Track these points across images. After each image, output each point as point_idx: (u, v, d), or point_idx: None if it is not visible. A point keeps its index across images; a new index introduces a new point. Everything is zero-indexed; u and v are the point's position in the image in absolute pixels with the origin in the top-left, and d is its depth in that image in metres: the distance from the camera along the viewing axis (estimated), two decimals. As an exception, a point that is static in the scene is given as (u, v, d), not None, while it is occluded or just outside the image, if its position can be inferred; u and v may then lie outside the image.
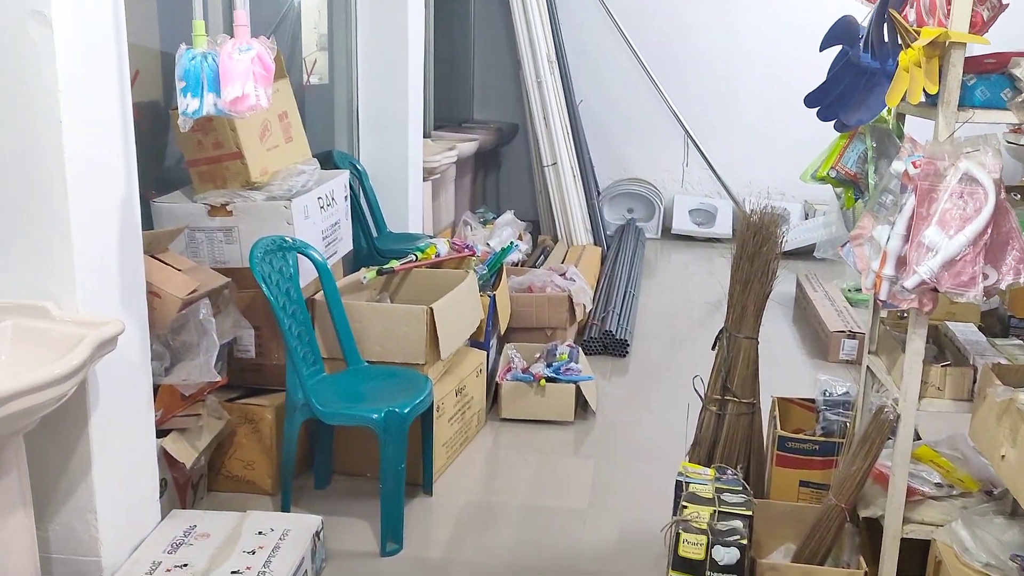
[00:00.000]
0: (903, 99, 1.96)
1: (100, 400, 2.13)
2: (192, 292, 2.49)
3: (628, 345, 4.34)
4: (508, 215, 5.39)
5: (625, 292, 4.94)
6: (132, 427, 2.28)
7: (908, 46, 1.93)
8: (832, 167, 2.41)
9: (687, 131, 6.92)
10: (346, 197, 3.34)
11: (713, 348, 2.61)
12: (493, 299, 3.61)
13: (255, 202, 2.84)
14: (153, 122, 3.05)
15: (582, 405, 3.60)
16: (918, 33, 1.91)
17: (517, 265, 4.77)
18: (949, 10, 1.92)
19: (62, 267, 2.02)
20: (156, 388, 2.43)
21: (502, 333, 3.87)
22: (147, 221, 2.72)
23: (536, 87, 5.79)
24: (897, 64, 1.96)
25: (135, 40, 2.26)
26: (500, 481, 3.11)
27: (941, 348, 2.38)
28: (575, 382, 3.56)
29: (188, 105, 2.04)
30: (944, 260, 1.85)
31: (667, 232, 6.90)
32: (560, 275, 4.29)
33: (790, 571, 2.06)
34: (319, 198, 3.05)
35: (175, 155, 3.11)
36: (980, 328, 2.37)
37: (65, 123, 1.95)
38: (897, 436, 2.10)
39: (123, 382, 2.22)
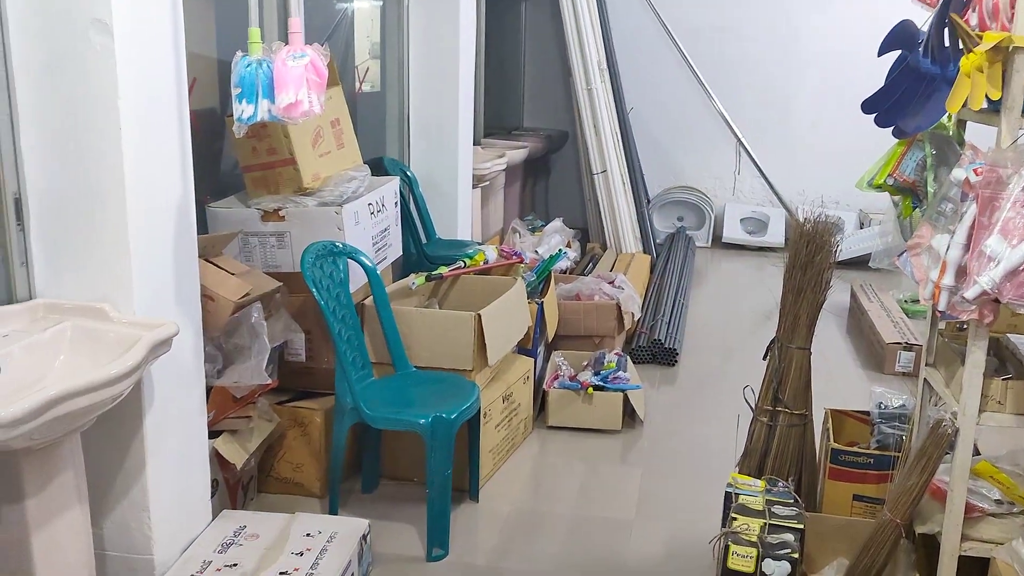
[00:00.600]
0: (964, 105, 1.91)
1: (155, 400, 2.17)
2: (245, 296, 2.53)
3: (677, 354, 4.30)
4: (557, 222, 5.38)
5: (674, 301, 4.90)
6: (185, 427, 2.32)
7: (970, 51, 1.88)
8: (890, 174, 2.35)
9: (739, 139, 6.84)
10: (396, 203, 3.37)
11: (764, 358, 2.57)
12: (541, 306, 3.61)
13: (307, 207, 2.88)
14: (209, 129, 3.11)
15: (629, 414, 3.57)
16: (980, 37, 1.86)
17: (565, 273, 4.76)
18: (1013, 14, 1.86)
19: (119, 270, 2.06)
20: (209, 390, 2.47)
21: (550, 340, 3.85)
22: (202, 226, 2.78)
23: (586, 94, 5.78)
24: (958, 69, 1.91)
25: (193, 48, 2.31)
26: (546, 489, 3.09)
27: (1002, 361, 2.31)
28: (623, 390, 3.53)
29: (243, 111, 2.07)
30: (1006, 270, 1.79)
31: (718, 241, 6.82)
32: (609, 283, 4.27)
33: (842, 587, 2.02)
34: (369, 204, 3.07)
35: (230, 161, 3.17)
36: (1044, 341, 2.30)
37: (124, 129, 1.99)
38: (955, 451, 2.04)
39: (177, 383, 2.26)
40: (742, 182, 6.98)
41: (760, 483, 2.25)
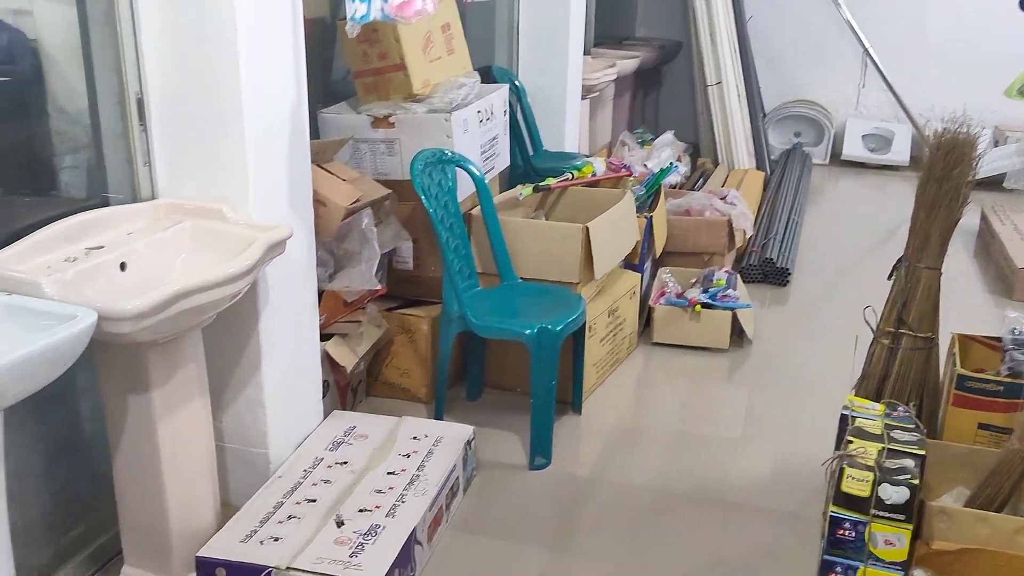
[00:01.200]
0: None
1: (270, 301, 2.23)
2: (355, 202, 2.54)
3: (789, 274, 4.15)
4: (668, 135, 5.20)
5: (788, 219, 4.71)
6: (298, 328, 2.38)
7: None
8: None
9: (866, 49, 6.42)
10: (505, 112, 3.31)
11: (889, 278, 2.44)
12: (650, 221, 3.52)
13: (416, 114, 2.85)
14: (321, 36, 3.10)
15: (738, 333, 3.49)
16: None
17: (675, 187, 4.63)
18: None
19: (236, 173, 2.09)
20: (320, 294, 2.52)
21: (657, 256, 3.77)
22: (313, 132, 2.79)
23: (703, 2, 5.50)
24: None
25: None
26: (650, 405, 3.07)
27: None
28: (732, 309, 3.44)
29: (356, 10, 2.04)
30: None
31: (836, 158, 6.49)
32: (720, 199, 4.12)
33: (963, 516, 1.93)
34: (478, 112, 3.02)
35: (341, 68, 3.16)
36: None
37: (240, 33, 1.99)
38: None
39: (291, 285, 2.31)
40: (866, 96, 6.58)
41: (879, 407, 2.16)
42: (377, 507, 2.15)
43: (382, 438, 2.47)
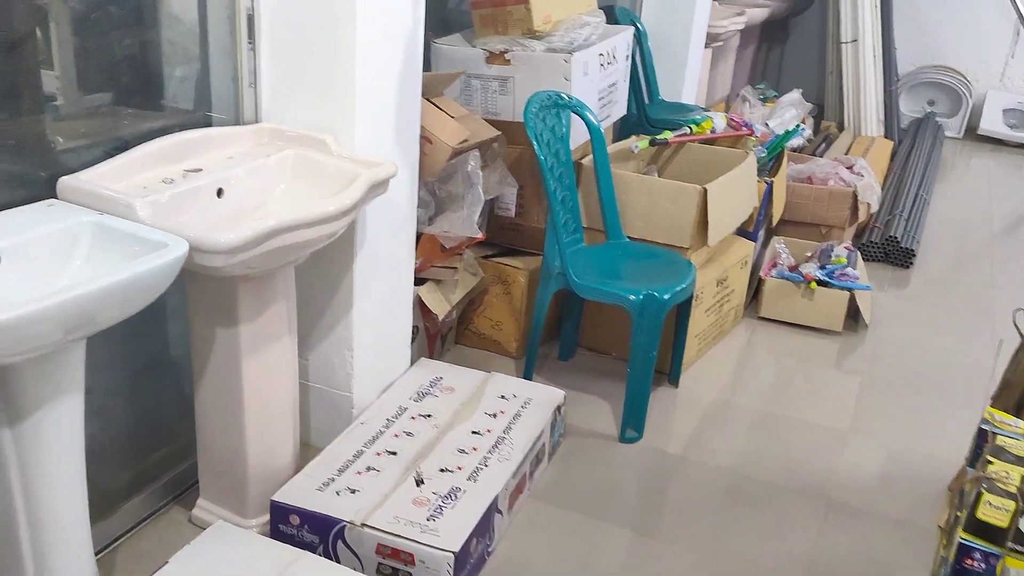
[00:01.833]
0: None
1: (367, 241, 2.11)
2: (463, 142, 2.39)
3: (913, 255, 3.85)
4: (794, 94, 4.86)
5: (915, 195, 4.37)
6: (393, 272, 2.27)
7: None
8: None
9: (1020, 14, 5.88)
10: (627, 57, 3.09)
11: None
12: (770, 187, 3.27)
13: (534, 52, 2.66)
14: (440, -41, 2.93)
15: (852, 315, 3.24)
16: None
17: (797, 151, 4.33)
18: None
19: (344, 101, 1.96)
20: (418, 237, 2.39)
21: (773, 225, 3.53)
22: (425, 63, 2.64)
23: (846, -50, 5.10)
24: None
25: None
26: (751, 383, 2.88)
27: None
28: (850, 289, 3.19)
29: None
30: None
31: (972, 132, 6.03)
32: (847, 168, 3.83)
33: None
34: (600, 55, 2.82)
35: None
36: None
37: (359, -53, 1.84)
38: None
39: (390, 226, 2.19)
40: (1013, 68, 6.06)
41: (1023, 424, 1.93)
42: (459, 468, 2.04)
43: (469, 393, 2.36)
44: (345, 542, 1.84)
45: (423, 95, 2.25)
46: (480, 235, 2.51)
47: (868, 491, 2.35)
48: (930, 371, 2.99)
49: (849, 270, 3.26)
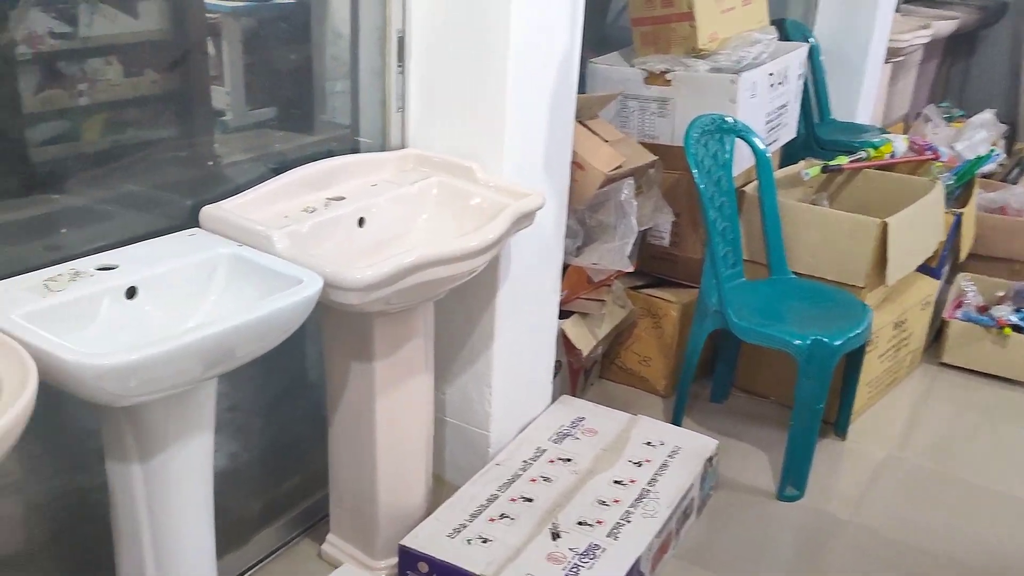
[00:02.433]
0: None
1: (511, 272, 2.00)
2: (617, 168, 2.24)
3: (1126, 300, 3.38)
4: (987, 114, 4.39)
5: None
6: (537, 305, 2.15)
7: None
8: None
9: None
10: (800, 76, 2.85)
11: None
12: (958, 219, 2.94)
13: (698, 72, 2.48)
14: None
15: (1052, 367, 2.87)
16: None
17: (987, 178, 3.91)
18: None
19: (493, 125, 1.86)
20: (564, 268, 2.26)
21: (959, 260, 3.18)
22: (580, 84, 2.51)
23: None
24: None
25: None
26: (929, 440, 2.57)
27: None
28: (1050, 338, 2.82)
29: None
30: None
31: None
32: (1049, 198, 3.41)
33: None
34: (770, 74, 2.60)
35: (618, 13, 2.84)
36: None
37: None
38: None
39: (535, 257, 2.07)
40: None
41: None
42: (599, 522, 1.89)
43: (612, 437, 2.20)
44: (475, 596, 1.72)
45: (576, 118, 2.12)
46: (631, 268, 2.35)
47: (1073, 580, 2.03)
48: None
49: (1049, 315, 2.88)
